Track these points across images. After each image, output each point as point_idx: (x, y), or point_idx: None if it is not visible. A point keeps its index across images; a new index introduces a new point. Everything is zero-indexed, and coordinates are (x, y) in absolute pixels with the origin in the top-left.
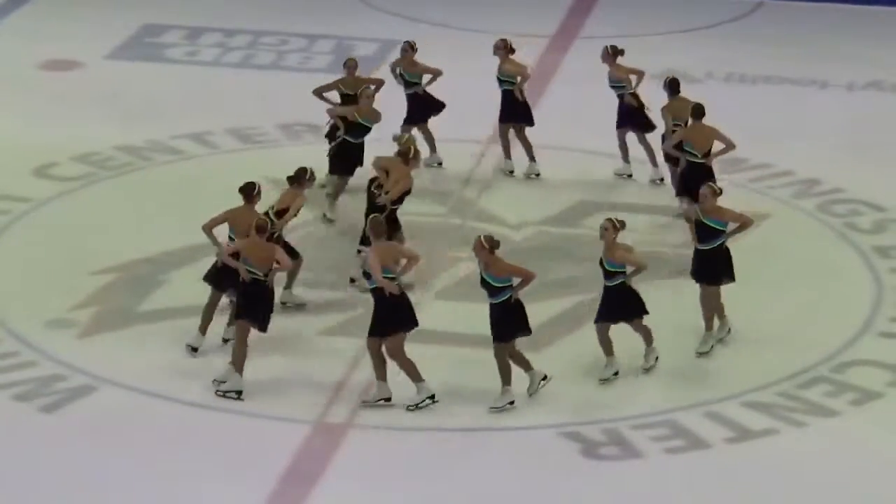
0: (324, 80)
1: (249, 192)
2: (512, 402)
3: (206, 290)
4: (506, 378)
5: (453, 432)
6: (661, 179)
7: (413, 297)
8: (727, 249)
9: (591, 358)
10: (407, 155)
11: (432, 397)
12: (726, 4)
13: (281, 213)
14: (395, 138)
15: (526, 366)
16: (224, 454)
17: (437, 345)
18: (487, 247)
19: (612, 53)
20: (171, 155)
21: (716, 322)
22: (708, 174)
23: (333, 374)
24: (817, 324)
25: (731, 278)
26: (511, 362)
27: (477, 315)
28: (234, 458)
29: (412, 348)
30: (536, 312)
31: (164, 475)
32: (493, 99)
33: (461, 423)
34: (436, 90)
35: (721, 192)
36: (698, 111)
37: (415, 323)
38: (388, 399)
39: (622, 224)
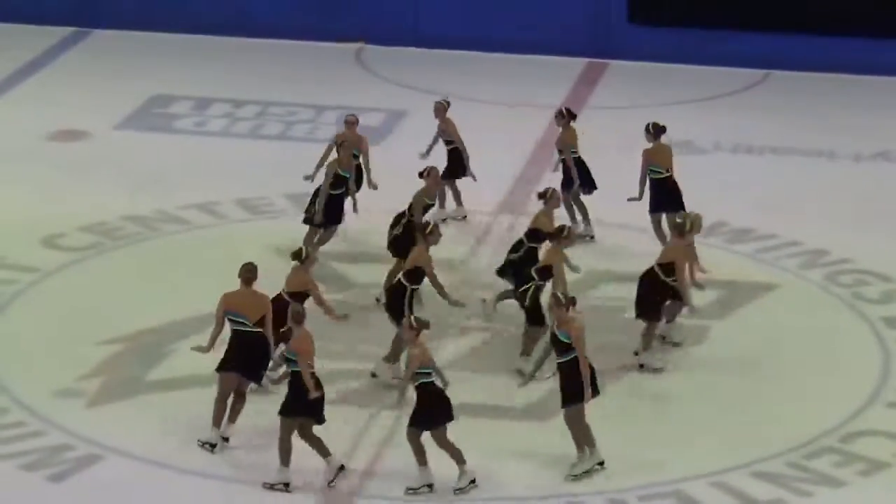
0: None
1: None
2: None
3: (211, 359)
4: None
5: None
6: (465, 217)
7: None
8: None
9: (596, 428)
10: (682, 228)
11: (214, 446)
12: (734, 75)
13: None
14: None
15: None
16: None
17: None
18: (564, 303)
19: (445, 108)
20: (179, 225)
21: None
22: (673, 187)
23: (341, 443)
24: (825, 394)
25: (596, 391)
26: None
27: (482, 386)
28: None
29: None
30: (540, 384)
31: None
32: (503, 168)
33: (473, 494)
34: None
35: (573, 302)
36: (658, 130)
37: (256, 377)
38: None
39: (425, 324)
